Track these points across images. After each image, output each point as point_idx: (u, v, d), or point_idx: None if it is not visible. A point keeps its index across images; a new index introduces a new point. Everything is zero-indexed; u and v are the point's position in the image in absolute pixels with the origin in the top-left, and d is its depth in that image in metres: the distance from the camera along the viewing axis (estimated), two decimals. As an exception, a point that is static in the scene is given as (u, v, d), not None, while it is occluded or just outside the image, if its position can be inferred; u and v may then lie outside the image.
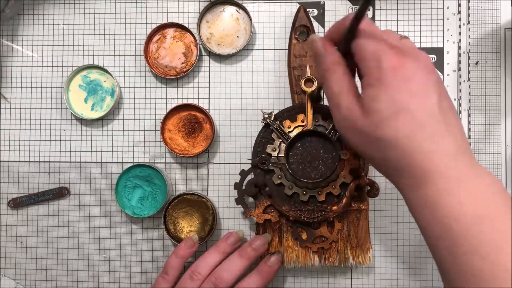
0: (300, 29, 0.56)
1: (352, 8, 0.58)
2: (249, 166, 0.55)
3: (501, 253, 0.31)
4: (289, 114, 0.55)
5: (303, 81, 0.55)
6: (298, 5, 0.59)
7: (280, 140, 0.54)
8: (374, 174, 0.56)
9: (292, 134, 0.54)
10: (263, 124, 0.55)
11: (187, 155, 0.57)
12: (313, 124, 0.54)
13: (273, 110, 0.56)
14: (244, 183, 0.54)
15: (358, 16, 0.35)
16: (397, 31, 0.58)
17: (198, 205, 0.57)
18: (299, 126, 0.54)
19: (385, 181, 0.56)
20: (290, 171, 0.52)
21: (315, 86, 0.54)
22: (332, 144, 0.52)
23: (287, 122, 0.54)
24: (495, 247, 0.31)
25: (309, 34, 0.56)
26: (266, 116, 0.54)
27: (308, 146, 0.53)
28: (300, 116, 0.54)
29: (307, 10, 0.58)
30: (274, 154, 0.54)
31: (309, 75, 0.55)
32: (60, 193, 0.60)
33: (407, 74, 0.34)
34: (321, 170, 0.53)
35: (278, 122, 0.54)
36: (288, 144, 0.53)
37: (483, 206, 0.32)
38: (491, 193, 0.33)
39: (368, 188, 0.52)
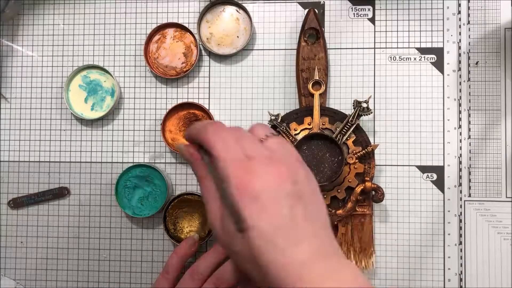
0: (310, 31, 0.56)
1: (352, 8, 0.58)
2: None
3: None
4: (296, 116, 0.55)
5: (311, 84, 0.55)
6: (298, 5, 0.59)
7: (286, 143, 0.54)
8: (380, 179, 0.56)
9: (299, 137, 0.54)
10: (270, 126, 0.55)
11: (189, 154, 0.57)
12: (320, 127, 0.54)
13: (280, 112, 0.56)
14: None
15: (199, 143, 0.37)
16: (397, 31, 0.58)
17: (198, 205, 0.57)
18: (306, 129, 0.54)
19: (390, 187, 0.56)
20: (295, 173, 0.52)
21: (323, 89, 0.54)
22: (338, 147, 0.52)
23: (293, 125, 0.55)
24: None
25: (318, 36, 0.56)
26: (273, 118, 0.54)
27: (314, 149, 0.53)
28: (307, 119, 0.54)
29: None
30: None
31: (317, 78, 0.55)
32: (60, 193, 0.60)
33: (254, 193, 0.33)
34: (327, 174, 0.53)
35: (284, 124, 0.54)
36: (295, 146, 0.53)
37: None
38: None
39: (373, 193, 0.52)
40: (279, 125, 0.54)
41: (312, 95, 0.55)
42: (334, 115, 0.55)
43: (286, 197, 0.34)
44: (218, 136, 0.37)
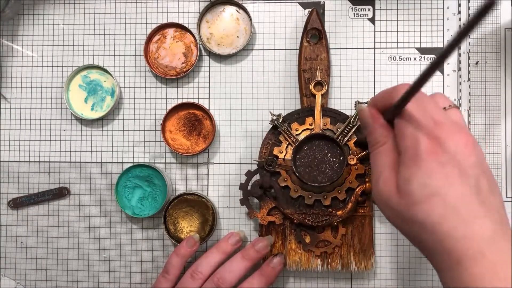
0: (312, 32, 0.56)
1: (352, 8, 0.58)
2: (250, 166, 0.55)
3: None
4: (298, 116, 0.55)
5: (313, 84, 0.55)
6: (298, 5, 0.59)
7: (287, 143, 0.54)
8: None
9: (300, 137, 0.54)
10: (271, 125, 0.55)
11: (191, 153, 0.57)
12: (321, 128, 0.54)
13: (280, 112, 0.56)
14: (250, 184, 0.54)
15: (406, 97, 0.35)
16: (397, 31, 0.58)
17: (198, 205, 0.57)
18: (307, 129, 0.54)
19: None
20: (296, 174, 0.52)
21: (325, 89, 0.54)
22: (340, 148, 0.52)
23: (295, 125, 0.55)
24: None
25: (321, 37, 0.56)
26: (275, 118, 0.54)
27: (315, 150, 0.53)
28: (309, 119, 0.54)
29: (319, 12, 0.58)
30: (281, 156, 0.54)
31: (319, 79, 0.55)
32: (60, 193, 0.60)
33: (443, 159, 0.33)
34: (328, 174, 0.53)
35: (286, 124, 0.54)
36: (296, 147, 0.53)
37: None
38: None
39: None
40: (281, 125, 0.54)
41: (314, 96, 0.55)
42: (336, 116, 0.55)
43: (473, 167, 0.34)
44: (421, 94, 0.36)
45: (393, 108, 0.37)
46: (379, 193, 0.37)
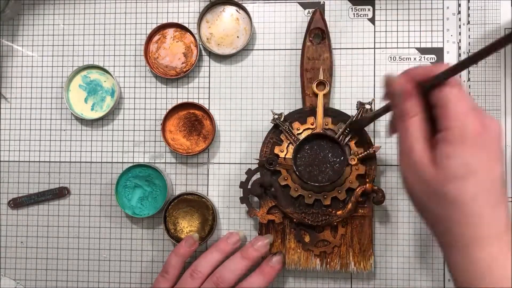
0: (315, 31, 0.56)
1: (352, 8, 0.58)
2: (249, 166, 0.55)
3: None
4: (299, 116, 0.55)
5: (315, 84, 0.55)
6: (298, 5, 0.59)
7: (288, 142, 0.54)
8: (380, 181, 0.56)
9: (301, 137, 0.54)
10: (272, 124, 0.55)
11: (191, 153, 0.57)
12: (323, 128, 0.54)
13: (283, 111, 0.56)
14: (250, 183, 0.54)
15: (455, 69, 0.35)
16: (397, 31, 0.58)
17: (198, 205, 0.57)
18: (309, 128, 0.54)
19: (390, 187, 0.56)
20: (297, 173, 0.52)
21: (327, 89, 0.54)
22: (341, 148, 0.52)
23: (296, 124, 0.55)
24: None
25: (323, 37, 0.56)
26: (276, 117, 0.54)
27: (316, 149, 0.53)
28: (310, 119, 0.54)
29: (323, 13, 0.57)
30: (282, 155, 0.54)
31: (322, 78, 0.55)
32: (60, 193, 0.60)
33: (487, 141, 0.35)
34: (328, 174, 0.53)
35: (287, 123, 0.54)
36: (297, 146, 0.53)
37: None
38: None
39: (374, 195, 0.52)
40: (282, 124, 0.54)
41: (316, 95, 0.55)
42: (337, 116, 0.55)
43: (501, 156, 0.36)
44: (452, 66, 0.37)
45: (433, 79, 0.37)
46: (411, 164, 0.37)
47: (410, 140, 0.37)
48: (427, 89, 0.37)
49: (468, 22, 0.57)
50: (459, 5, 0.57)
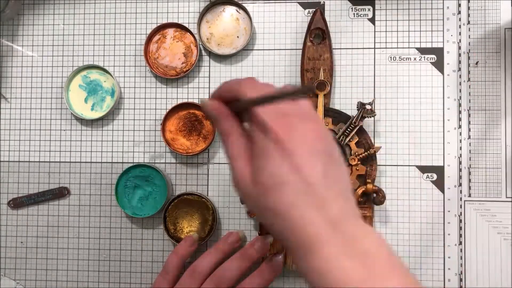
0: (316, 31, 0.56)
1: (352, 8, 0.58)
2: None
3: None
4: None
5: (315, 84, 0.55)
6: (298, 5, 0.59)
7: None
8: (381, 181, 0.56)
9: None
10: None
11: (191, 153, 0.57)
12: None
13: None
14: None
15: (255, 103, 0.35)
16: (397, 31, 0.58)
17: (198, 205, 0.57)
18: None
19: (390, 188, 0.56)
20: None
21: (327, 89, 0.54)
22: (341, 148, 0.52)
23: None
24: None
25: (324, 37, 0.56)
26: None
27: None
28: None
29: (323, 13, 0.58)
30: None
31: (322, 79, 0.55)
32: (60, 193, 0.60)
33: (289, 147, 0.34)
34: None
35: None
36: None
37: (367, 270, 0.32)
38: (376, 255, 0.33)
39: (374, 195, 0.52)
40: None
41: (316, 96, 0.55)
42: (337, 116, 0.55)
43: (321, 153, 0.35)
44: (254, 89, 0.37)
45: (241, 104, 0.37)
46: (237, 182, 0.37)
47: (231, 158, 0.38)
48: (240, 109, 0.38)
49: (468, 22, 0.57)
50: (459, 5, 0.57)
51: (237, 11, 0.59)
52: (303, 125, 0.35)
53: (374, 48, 0.58)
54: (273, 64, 0.58)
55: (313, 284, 0.34)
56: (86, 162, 0.60)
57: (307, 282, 0.35)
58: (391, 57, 0.58)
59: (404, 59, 0.58)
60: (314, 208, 0.33)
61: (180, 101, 0.58)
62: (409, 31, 0.58)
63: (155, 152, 0.59)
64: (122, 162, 0.59)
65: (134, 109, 0.60)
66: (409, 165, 0.57)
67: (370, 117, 0.54)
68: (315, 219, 0.33)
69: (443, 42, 0.57)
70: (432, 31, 0.57)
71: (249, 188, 0.36)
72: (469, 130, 0.57)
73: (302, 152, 0.34)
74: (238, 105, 0.38)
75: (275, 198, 0.34)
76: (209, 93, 0.59)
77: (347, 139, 0.53)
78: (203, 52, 0.59)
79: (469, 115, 0.57)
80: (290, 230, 0.34)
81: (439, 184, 0.56)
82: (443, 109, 0.57)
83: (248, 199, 0.36)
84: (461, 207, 0.56)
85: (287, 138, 0.34)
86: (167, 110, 0.57)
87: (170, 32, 0.59)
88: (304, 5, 0.59)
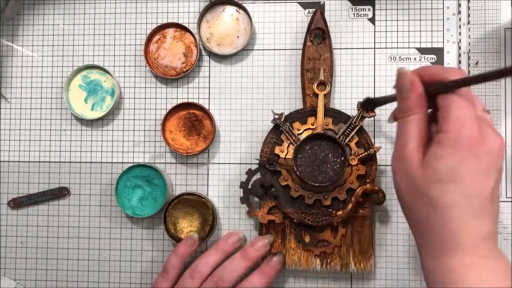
0: (316, 31, 0.56)
1: (352, 8, 0.58)
2: (250, 166, 0.55)
3: None
4: (300, 116, 0.55)
5: (316, 84, 0.55)
6: (298, 5, 0.59)
7: (289, 142, 0.54)
8: (381, 181, 0.56)
9: (302, 137, 0.54)
10: (273, 125, 0.55)
11: (191, 153, 0.57)
12: (323, 128, 0.54)
13: (283, 111, 0.56)
14: (250, 183, 0.54)
15: (466, 82, 0.36)
16: (397, 31, 0.58)
17: (198, 205, 0.57)
18: (309, 129, 0.54)
19: (391, 188, 0.56)
20: (297, 173, 0.52)
21: (327, 89, 0.54)
22: (341, 148, 0.52)
23: (296, 124, 0.55)
24: None
25: (324, 37, 0.56)
26: (277, 117, 0.54)
27: (317, 150, 0.53)
28: (311, 119, 0.54)
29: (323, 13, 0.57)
30: (282, 155, 0.54)
31: (322, 79, 0.55)
32: (60, 193, 0.60)
33: (479, 152, 0.35)
34: (329, 174, 0.53)
35: (288, 123, 0.54)
36: (297, 146, 0.53)
37: (501, 284, 0.34)
38: (508, 273, 0.35)
39: (374, 195, 0.52)
40: (282, 124, 0.54)
41: (316, 95, 0.55)
42: (338, 116, 0.55)
43: (497, 170, 0.36)
44: (458, 73, 0.37)
45: (442, 86, 0.37)
46: (401, 158, 0.37)
47: (405, 136, 0.38)
48: (435, 92, 0.38)
49: (468, 22, 0.57)
50: (459, 5, 0.57)
51: (237, 11, 0.59)
52: (494, 138, 0.36)
53: (374, 48, 0.58)
54: (273, 64, 0.58)
55: (435, 282, 0.36)
56: (86, 162, 0.60)
57: (428, 282, 0.37)
58: (391, 57, 0.58)
59: (404, 59, 0.58)
60: (472, 216, 0.35)
61: (180, 101, 0.58)
62: (409, 31, 0.58)
63: (155, 152, 0.59)
64: (122, 162, 0.59)
65: (134, 109, 0.60)
66: (409, 165, 0.56)
67: (371, 117, 0.54)
68: (471, 227, 0.34)
69: (443, 42, 0.57)
70: (432, 31, 0.57)
71: (414, 170, 0.36)
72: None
73: (487, 161, 0.35)
74: (436, 88, 0.37)
75: (442, 191, 0.35)
76: (209, 93, 0.59)
77: (347, 139, 0.53)
78: (203, 52, 0.59)
79: (469, 115, 0.57)
80: (441, 225, 0.35)
81: (439, 184, 0.56)
82: (443, 109, 0.57)
83: (407, 180, 0.37)
84: (461, 207, 0.56)
85: (481, 143, 0.35)
86: (167, 110, 0.57)
87: (170, 32, 0.59)
88: (304, 5, 0.59)
